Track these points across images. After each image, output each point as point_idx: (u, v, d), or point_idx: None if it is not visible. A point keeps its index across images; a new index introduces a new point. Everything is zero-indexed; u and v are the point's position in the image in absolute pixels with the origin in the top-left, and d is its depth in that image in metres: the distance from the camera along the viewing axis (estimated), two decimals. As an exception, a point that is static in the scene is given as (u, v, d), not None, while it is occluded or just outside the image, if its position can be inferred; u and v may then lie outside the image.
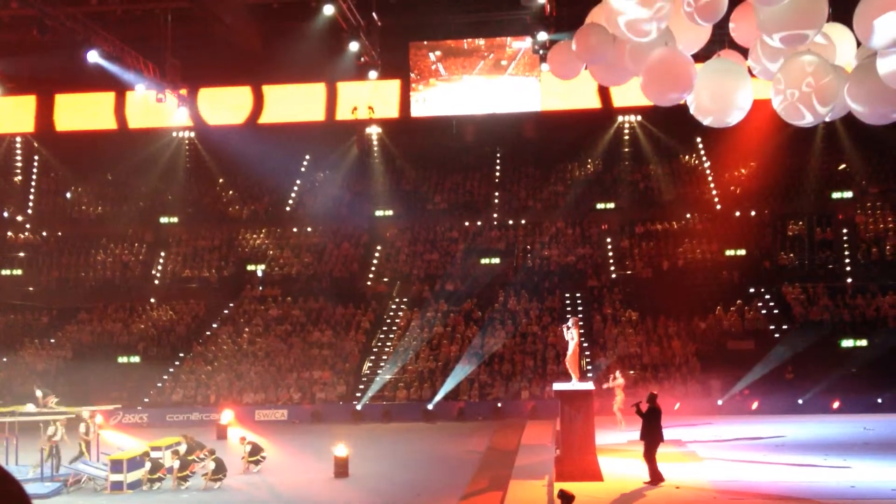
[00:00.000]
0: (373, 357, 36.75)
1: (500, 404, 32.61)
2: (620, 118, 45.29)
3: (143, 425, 31.79)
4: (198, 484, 20.47)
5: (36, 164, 48.50)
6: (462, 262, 41.54)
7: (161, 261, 44.09)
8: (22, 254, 44.54)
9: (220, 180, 47.24)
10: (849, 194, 42.16)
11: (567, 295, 39.26)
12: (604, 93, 40.84)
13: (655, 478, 18.25)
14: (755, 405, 31.33)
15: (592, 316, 37.50)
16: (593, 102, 41.99)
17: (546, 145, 45.21)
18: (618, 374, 28.12)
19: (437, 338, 36.69)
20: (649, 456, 18.42)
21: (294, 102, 43.14)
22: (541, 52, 31.18)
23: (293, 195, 46.48)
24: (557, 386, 20.42)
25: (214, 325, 39.50)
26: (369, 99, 42.18)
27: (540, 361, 34.75)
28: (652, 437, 18.45)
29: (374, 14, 31.13)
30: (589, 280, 40.08)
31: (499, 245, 42.51)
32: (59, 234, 45.70)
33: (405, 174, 46.52)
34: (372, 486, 20.33)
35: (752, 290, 38.19)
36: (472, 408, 32.78)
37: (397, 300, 40.09)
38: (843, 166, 43.31)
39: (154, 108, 39.43)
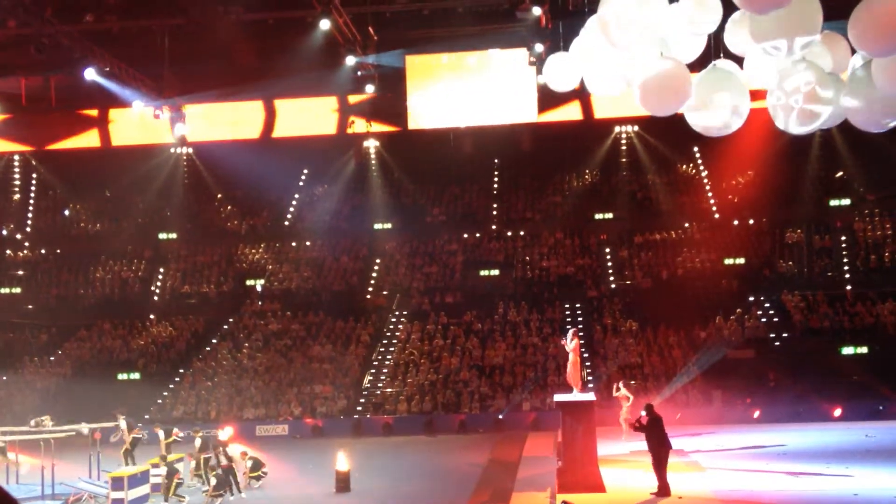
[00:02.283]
0: (373, 370, 36.71)
1: (501, 416, 32.54)
2: (617, 128, 45.36)
3: (144, 442, 31.62)
4: (199, 500, 20.41)
5: (34, 182, 48.53)
6: (461, 274, 41.57)
7: (160, 277, 44.07)
8: (21, 272, 44.51)
9: (219, 196, 47.27)
10: (847, 201, 42.21)
11: (567, 305, 39.26)
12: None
13: (663, 490, 18.14)
14: (757, 414, 31.28)
15: (592, 326, 37.48)
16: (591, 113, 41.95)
17: (543, 156, 45.24)
18: (621, 384, 28.07)
19: (438, 350, 36.65)
20: (658, 466, 18.31)
21: (291, 117, 43.14)
22: (537, 63, 31.25)
23: (292, 209, 46.52)
24: (559, 397, 20.39)
25: (214, 341, 39.44)
26: (367, 112, 42.18)
27: (541, 372, 34.72)
28: (660, 446, 18.36)
29: (370, 28, 31.22)
30: (588, 290, 40.08)
31: (498, 257, 42.53)
32: (58, 251, 45.68)
33: (403, 187, 46.58)
34: (373, 501, 20.29)
35: (751, 298, 38.17)
36: (473, 420, 32.70)
37: (397, 313, 40.07)
38: (840, 174, 43.36)
39: (151, 124, 39.57)
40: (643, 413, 19.00)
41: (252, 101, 42.22)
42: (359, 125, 41.33)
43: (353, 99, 40.50)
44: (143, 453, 24.10)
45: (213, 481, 20.27)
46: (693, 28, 11.76)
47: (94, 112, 42.92)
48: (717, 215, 42.84)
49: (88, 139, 44.39)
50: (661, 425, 18.57)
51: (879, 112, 11.48)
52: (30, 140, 44.94)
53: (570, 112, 39.74)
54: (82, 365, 38.14)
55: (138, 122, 42.49)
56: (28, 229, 47.10)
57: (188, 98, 35.61)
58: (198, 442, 22.89)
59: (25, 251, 45.97)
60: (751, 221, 42.20)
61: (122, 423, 24.01)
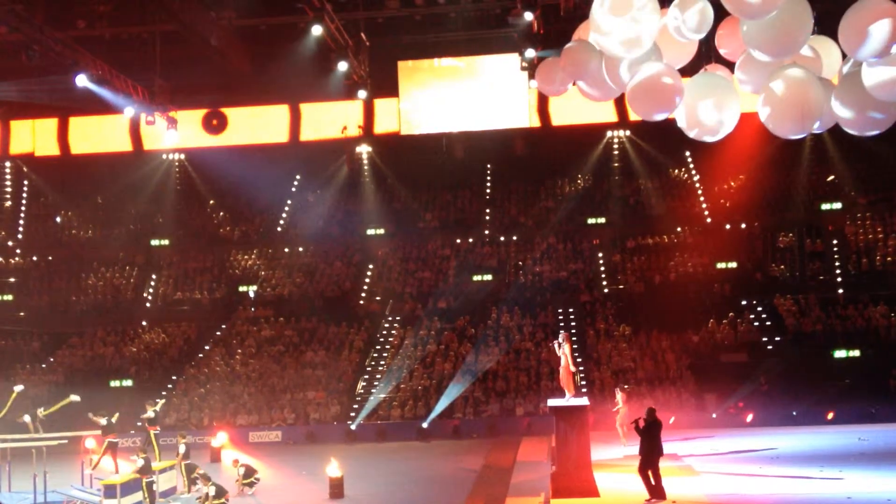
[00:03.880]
0: (366, 376, 36.66)
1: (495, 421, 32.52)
2: (609, 133, 45.45)
3: (137, 450, 31.51)
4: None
5: (26, 188, 48.42)
6: (454, 280, 41.54)
7: (152, 283, 43.95)
8: (12, 279, 44.33)
9: (211, 202, 47.21)
10: (838, 205, 42.33)
11: (560, 310, 39.26)
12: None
13: (657, 493, 18.10)
14: (750, 418, 31.33)
15: (586, 331, 37.49)
16: (586, 118, 42.07)
17: (536, 161, 45.32)
18: (618, 391, 28.05)
19: (431, 356, 36.62)
20: (647, 470, 18.28)
21: (284, 122, 43.20)
22: (529, 68, 31.32)
23: (284, 215, 46.47)
24: (552, 402, 20.37)
25: (207, 347, 39.34)
26: (359, 118, 42.29)
27: (534, 377, 34.71)
28: (651, 451, 18.34)
29: (362, 34, 31.27)
30: (581, 295, 40.10)
31: (491, 262, 42.51)
32: (50, 258, 45.52)
33: (396, 192, 46.57)
34: (367, 507, 20.27)
35: (744, 302, 38.25)
36: (466, 425, 32.68)
37: (390, 318, 40.03)
38: (831, 177, 43.50)
39: (144, 130, 39.60)
40: (645, 415, 18.91)
41: (244, 107, 42.26)
42: (351, 130, 41.52)
43: (346, 105, 40.60)
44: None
45: (213, 490, 20.07)
46: (683, 35, 11.79)
47: (86, 119, 43.00)
48: (709, 219, 42.90)
49: (81, 145, 44.46)
50: (658, 430, 18.55)
51: (869, 116, 11.52)
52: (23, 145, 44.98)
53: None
54: (74, 372, 37.99)
55: (131, 128, 42.59)
56: (20, 236, 46.94)
57: (180, 104, 35.61)
58: (182, 448, 22.82)
59: (17, 258, 45.80)
60: (743, 225, 42.24)
61: (150, 413, 24.10)
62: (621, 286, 40.59)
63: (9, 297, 43.36)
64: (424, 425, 32.53)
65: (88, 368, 38.25)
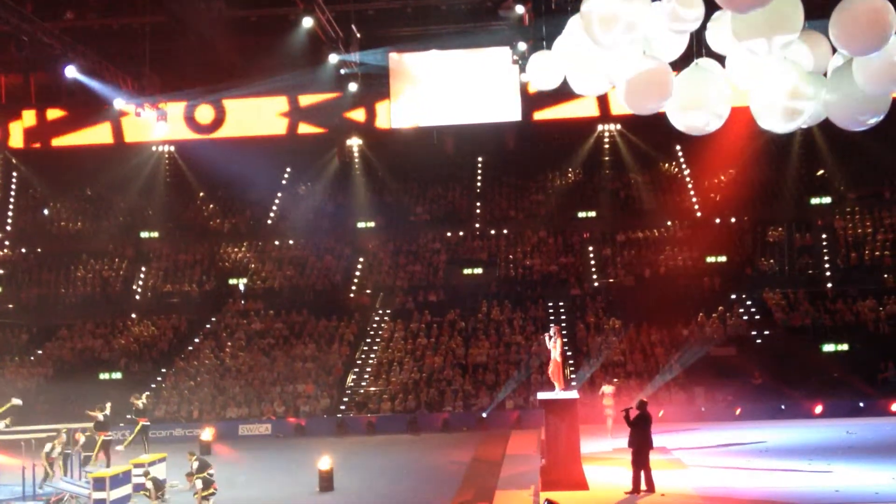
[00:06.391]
0: (357, 369, 36.65)
1: (484, 414, 32.55)
2: (600, 127, 45.50)
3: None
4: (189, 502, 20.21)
5: (14, 180, 48.19)
6: (445, 273, 41.57)
7: (142, 276, 43.82)
8: (1, 271, 44.16)
9: (201, 194, 47.09)
10: (827, 200, 42.52)
11: (550, 304, 39.32)
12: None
13: (647, 485, 18.18)
14: (738, 411, 31.44)
15: (575, 324, 37.55)
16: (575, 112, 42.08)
17: (526, 155, 45.34)
18: (605, 384, 28.13)
19: (421, 349, 36.63)
20: (638, 463, 18.36)
21: (275, 115, 43.07)
22: (520, 62, 31.34)
23: (274, 208, 46.38)
24: (542, 395, 20.43)
25: (197, 340, 39.25)
26: (350, 111, 42.21)
27: (524, 371, 34.76)
28: (641, 444, 18.40)
29: (352, 26, 31.19)
30: (571, 289, 40.16)
31: (481, 255, 42.56)
32: (39, 250, 45.36)
33: (387, 186, 46.55)
34: (357, 500, 20.27)
35: (733, 296, 38.34)
36: (456, 418, 32.69)
37: (380, 312, 40.03)
38: (821, 172, 43.66)
39: (134, 122, 39.45)
40: (636, 407, 18.93)
41: (234, 99, 42.11)
42: (340, 122, 41.52)
43: (337, 97, 40.48)
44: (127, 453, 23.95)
45: (200, 484, 19.94)
46: (675, 26, 11.80)
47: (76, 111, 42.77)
48: (699, 213, 43.03)
49: (71, 138, 44.26)
50: (647, 424, 18.60)
51: (859, 110, 11.54)
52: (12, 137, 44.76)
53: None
54: (64, 365, 37.86)
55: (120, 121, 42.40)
56: (8, 228, 46.75)
57: (170, 96, 35.49)
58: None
59: (5, 250, 45.63)
60: (732, 220, 42.39)
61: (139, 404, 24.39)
62: (611, 280, 40.66)
63: (-3, 290, 43.24)
64: (414, 418, 32.53)
65: (77, 361, 38.12)
